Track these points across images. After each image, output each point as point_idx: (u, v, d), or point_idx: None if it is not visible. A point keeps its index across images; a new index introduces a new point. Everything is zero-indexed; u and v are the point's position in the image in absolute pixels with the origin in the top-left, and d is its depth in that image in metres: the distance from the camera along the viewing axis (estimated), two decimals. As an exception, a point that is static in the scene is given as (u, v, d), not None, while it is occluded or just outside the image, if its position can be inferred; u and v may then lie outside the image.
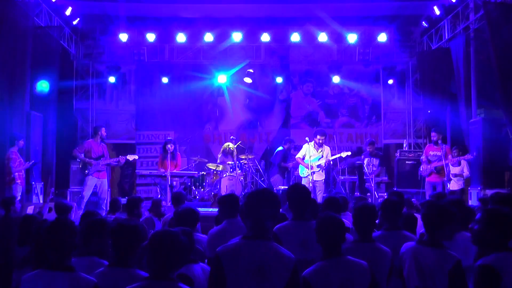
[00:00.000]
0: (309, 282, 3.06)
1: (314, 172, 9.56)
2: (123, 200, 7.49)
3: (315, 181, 9.57)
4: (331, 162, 10.05)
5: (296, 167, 10.55)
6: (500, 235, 3.06)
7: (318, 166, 9.62)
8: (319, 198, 9.03)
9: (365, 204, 4.00)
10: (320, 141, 9.70)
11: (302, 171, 9.98)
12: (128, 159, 9.78)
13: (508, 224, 3.08)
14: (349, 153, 10.20)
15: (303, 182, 10.02)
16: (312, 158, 9.61)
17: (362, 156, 10.99)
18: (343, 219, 5.04)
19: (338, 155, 9.80)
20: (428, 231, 3.51)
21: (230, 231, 4.42)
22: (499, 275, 2.86)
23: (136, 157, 10.14)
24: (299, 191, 4.02)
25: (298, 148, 10.44)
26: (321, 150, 9.74)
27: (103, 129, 9.83)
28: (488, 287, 2.89)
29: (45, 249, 3.09)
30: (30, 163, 9.12)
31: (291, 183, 10.91)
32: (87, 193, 9.43)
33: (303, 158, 9.92)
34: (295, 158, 10.36)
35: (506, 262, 2.93)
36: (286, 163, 11.20)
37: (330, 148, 10.02)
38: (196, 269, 3.45)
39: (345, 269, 3.10)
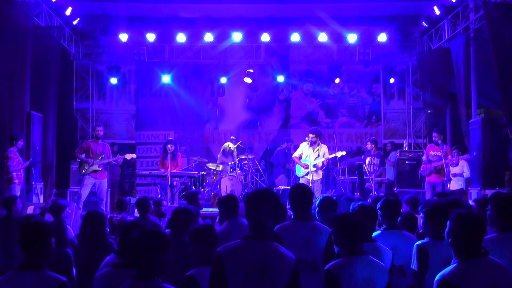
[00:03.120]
0: (334, 274, 3.09)
1: (311, 172, 9.57)
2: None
3: (313, 181, 9.58)
4: (330, 161, 10.04)
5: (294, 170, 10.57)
6: (467, 241, 2.98)
7: (314, 165, 9.61)
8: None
9: (363, 204, 4.00)
10: (313, 140, 9.66)
11: (299, 171, 9.98)
12: (126, 158, 9.81)
13: (475, 229, 2.99)
14: (343, 152, 10.14)
15: (301, 181, 10.02)
16: (308, 158, 9.62)
17: (362, 157, 10.96)
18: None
19: (333, 155, 9.79)
20: (432, 226, 3.75)
21: (232, 231, 4.43)
22: None
23: (134, 155, 10.16)
24: (301, 191, 4.02)
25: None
26: (318, 149, 9.72)
27: (99, 128, 9.86)
28: None
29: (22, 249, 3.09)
30: (28, 162, 9.11)
31: (290, 184, 10.92)
32: (84, 192, 9.46)
33: (300, 158, 9.92)
34: (292, 162, 10.34)
35: (464, 274, 2.88)
36: (289, 164, 11.19)
37: (328, 147, 10.03)
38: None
39: (369, 267, 3.15)
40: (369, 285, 3.07)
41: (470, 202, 9.25)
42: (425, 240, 3.80)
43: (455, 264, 2.97)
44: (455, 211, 3.12)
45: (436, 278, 2.94)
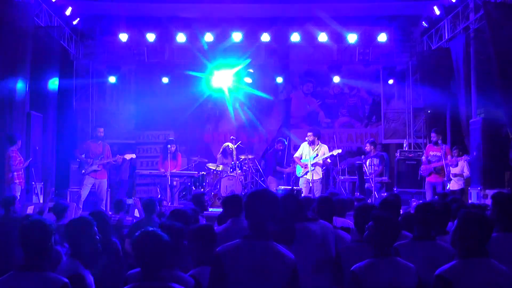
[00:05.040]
0: (358, 276, 3.07)
1: (311, 172, 9.59)
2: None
3: (313, 180, 9.59)
4: (328, 160, 10.07)
5: (294, 171, 10.58)
6: (471, 241, 2.97)
7: (313, 165, 9.64)
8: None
9: (365, 204, 4.00)
10: (310, 139, 9.76)
11: (299, 171, 10.00)
12: (126, 158, 9.82)
13: (481, 231, 2.98)
14: (339, 150, 10.13)
15: (300, 182, 10.05)
16: (307, 157, 9.66)
17: (363, 157, 10.95)
18: (347, 220, 5.06)
19: (329, 154, 9.83)
20: (422, 227, 3.73)
21: (234, 230, 4.42)
22: (452, 285, 2.85)
23: (134, 155, 10.17)
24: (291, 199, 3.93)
25: (298, 149, 10.47)
26: (317, 149, 9.77)
27: (99, 129, 9.90)
28: None
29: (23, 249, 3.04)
30: (28, 161, 9.11)
31: (291, 184, 10.94)
32: (84, 192, 9.51)
33: (300, 158, 9.95)
34: (292, 162, 10.35)
35: (463, 271, 2.89)
36: (282, 167, 11.12)
37: (328, 147, 10.05)
38: None
39: (395, 270, 3.12)
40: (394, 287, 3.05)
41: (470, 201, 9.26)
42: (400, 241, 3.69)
43: (455, 260, 2.99)
44: (463, 210, 3.14)
45: (436, 272, 2.96)
